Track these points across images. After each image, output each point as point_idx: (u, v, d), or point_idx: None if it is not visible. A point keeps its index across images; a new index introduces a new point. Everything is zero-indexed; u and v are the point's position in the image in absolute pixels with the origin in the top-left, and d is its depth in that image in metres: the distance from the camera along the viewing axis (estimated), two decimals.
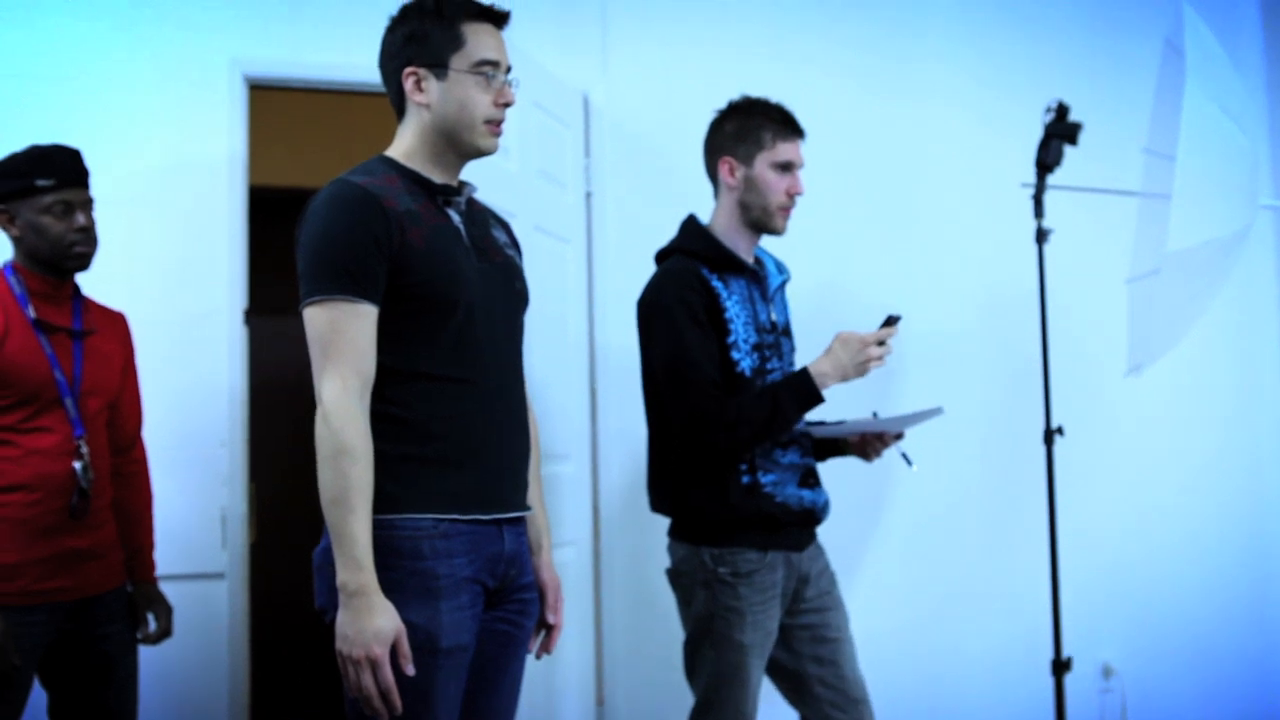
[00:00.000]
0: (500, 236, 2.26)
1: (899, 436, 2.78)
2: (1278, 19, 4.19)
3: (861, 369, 2.55)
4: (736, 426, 2.48)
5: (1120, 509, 3.91)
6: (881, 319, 2.60)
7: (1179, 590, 3.96)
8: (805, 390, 2.53)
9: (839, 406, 2.84)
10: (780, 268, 2.80)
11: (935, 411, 2.70)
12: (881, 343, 2.56)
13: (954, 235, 3.83)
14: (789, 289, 2.89)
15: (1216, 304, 3.88)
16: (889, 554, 3.72)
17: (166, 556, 2.89)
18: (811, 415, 2.71)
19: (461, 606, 1.98)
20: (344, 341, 1.93)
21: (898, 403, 3.54)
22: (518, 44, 3.04)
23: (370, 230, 1.95)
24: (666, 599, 2.70)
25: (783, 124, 2.68)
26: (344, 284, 1.93)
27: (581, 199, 3.57)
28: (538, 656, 2.23)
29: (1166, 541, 3.96)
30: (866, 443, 2.78)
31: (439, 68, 2.08)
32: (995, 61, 3.92)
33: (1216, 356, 4.07)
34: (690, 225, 2.74)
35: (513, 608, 2.15)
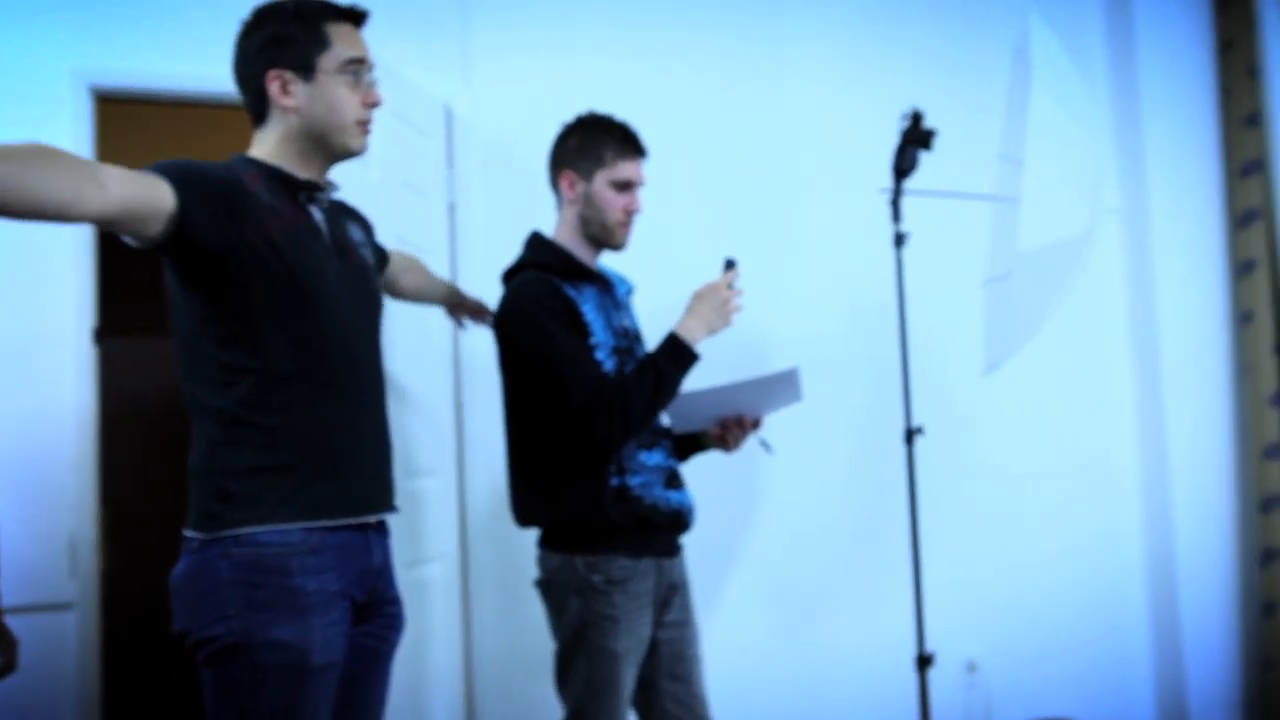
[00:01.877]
0: (356, 235, 2.22)
1: (757, 425, 2.82)
2: (1122, 27, 4.34)
3: (725, 317, 2.61)
4: (629, 405, 2.49)
5: (982, 505, 4.00)
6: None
7: (1040, 585, 4.06)
8: (680, 351, 2.55)
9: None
10: (621, 280, 2.82)
11: (791, 377, 2.73)
12: (730, 286, 2.63)
13: (816, 240, 3.89)
14: (641, 299, 2.90)
15: (1069, 304, 4.03)
16: (757, 557, 3.74)
17: (11, 588, 2.76)
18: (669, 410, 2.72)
19: (333, 622, 1.93)
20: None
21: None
22: (379, 56, 2.99)
23: (222, 184, 1.90)
24: (537, 611, 2.67)
25: (624, 142, 2.69)
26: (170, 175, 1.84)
27: (444, 210, 3.52)
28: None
29: (1027, 537, 4.06)
30: (727, 430, 2.80)
31: (306, 70, 2.04)
32: (855, 71, 3.99)
33: (1069, 355, 4.20)
34: (536, 240, 2.74)
35: (380, 622, 2.11)
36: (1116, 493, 4.26)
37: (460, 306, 2.88)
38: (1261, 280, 4.25)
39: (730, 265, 2.68)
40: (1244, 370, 4.29)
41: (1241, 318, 4.30)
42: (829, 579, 3.81)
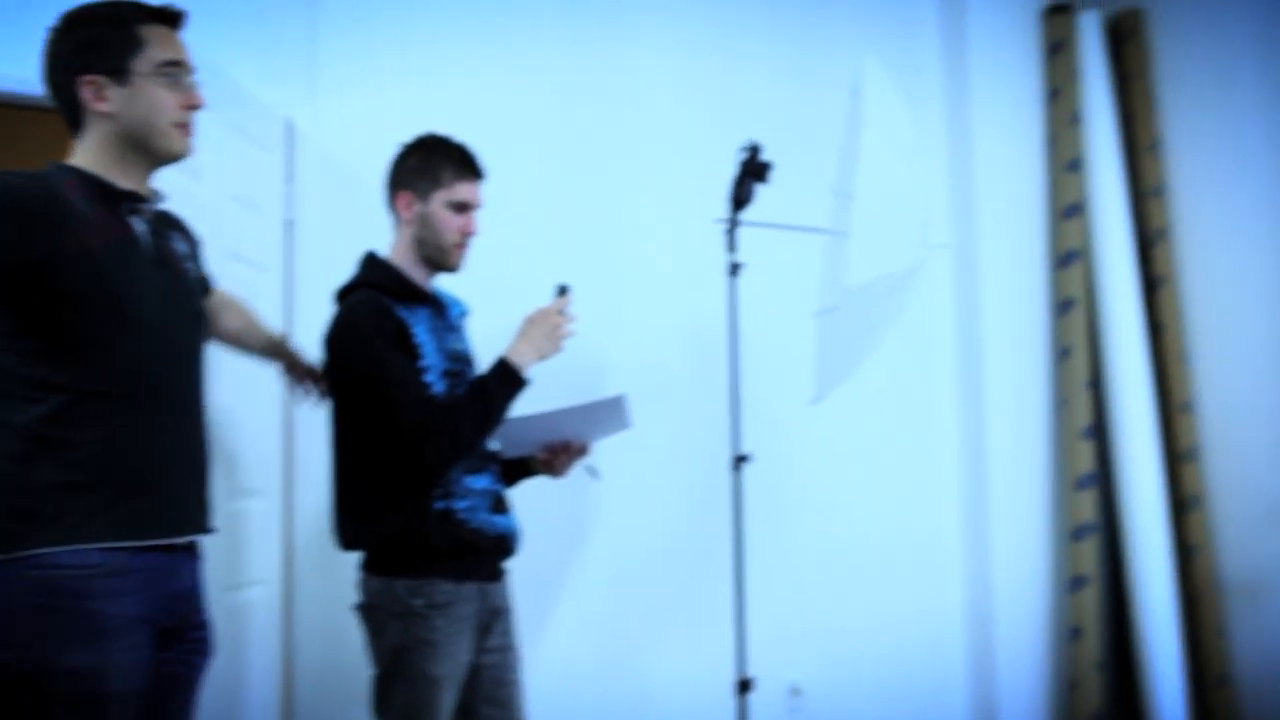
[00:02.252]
0: (181, 249, 2.17)
1: (585, 451, 2.85)
2: (958, 71, 4.51)
3: (556, 342, 2.65)
4: (459, 428, 2.49)
5: (809, 532, 4.09)
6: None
7: (863, 610, 4.16)
8: (509, 375, 2.58)
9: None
10: (455, 302, 2.82)
11: (618, 404, 2.77)
12: (561, 312, 2.67)
13: (653, 267, 3.93)
14: (476, 322, 2.90)
15: (901, 336, 4.16)
16: (583, 582, 3.76)
17: None
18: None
19: (134, 647, 1.88)
20: None
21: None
22: (218, 65, 2.93)
23: (31, 197, 1.86)
24: (360, 637, 2.63)
25: (463, 164, 2.69)
26: None
27: (281, 226, 3.46)
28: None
29: (852, 562, 4.17)
30: (555, 456, 2.83)
31: (120, 73, 1.99)
32: (696, 101, 4.06)
33: (899, 386, 4.33)
34: (370, 260, 2.72)
35: (186, 648, 2.06)
36: (938, 522, 4.41)
37: (292, 368, 2.72)
38: (1079, 318, 4.46)
39: (563, 291, 2.72)
40: (1061, 403, 4.48)
41: (1060, 353, 4.50)
42: (654, 605, 3.84)
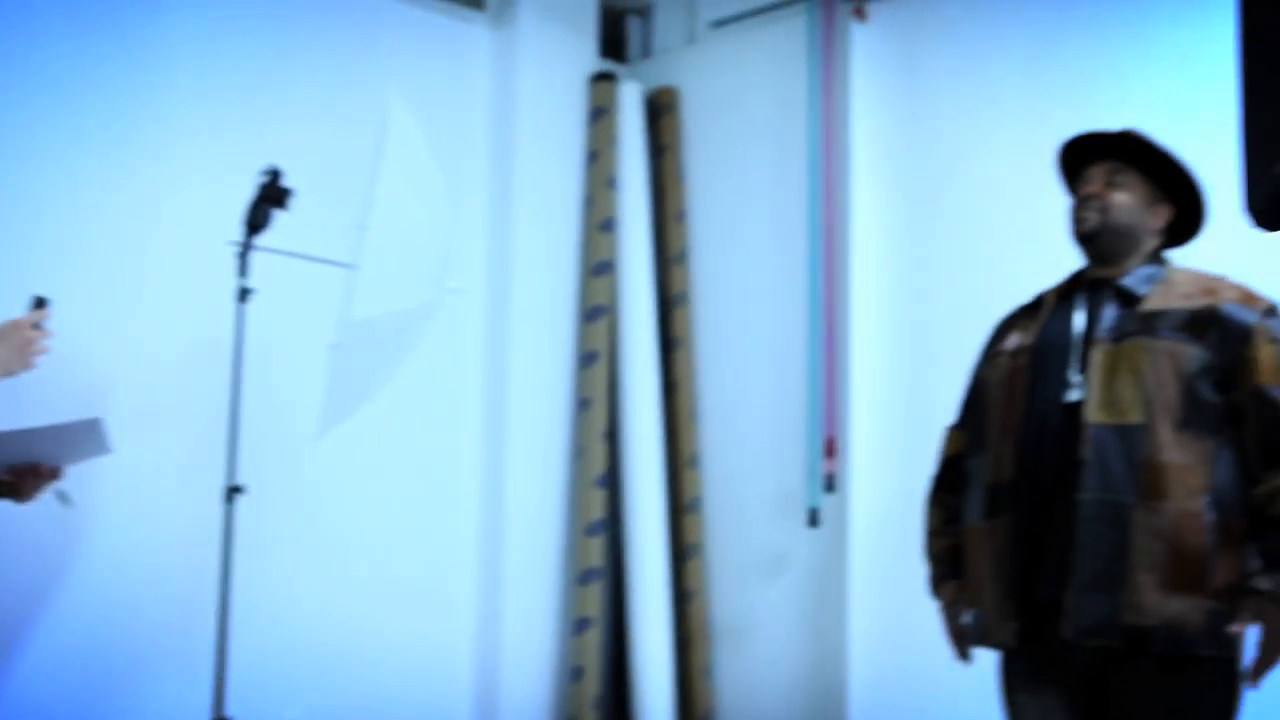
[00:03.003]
0: None
1: (56, 474, 2.67)
2: (505, 124, 4.63)
3: (25, 358, 2.48)
4: None
5: (311, 568, 4.02)
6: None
7: (369, 648, 4.13)
8: None
9: None
10: None
11: (94, 426, 2.61)
12: (37, 326, 2.49)
13: (159, 286, 3.75)
14: None
15: (428, 379, 4.20)
16: (63, 616, 3.51)
17: None
18: None
19: None
20: None
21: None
22: None
23: None
24: None
25: None
26: None
27: None
28: None
29: (359, 600, 4.13)
30: (21, 479, 2.63)
31: None
32: (224, 125, 3.92)
33: (422, 426, 4.36)
34: None
35: None
36: (452, 561, 4.45)
37: None
38: (601, 371, 4.67)
39: (41, 303, 2.54)
40: (579, 452, 4.67)
41: (581, 403, 4.69)
42: (135, 641, 3.63)
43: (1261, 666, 2.43)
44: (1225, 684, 2.47)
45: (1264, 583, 2.41)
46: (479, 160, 4.63)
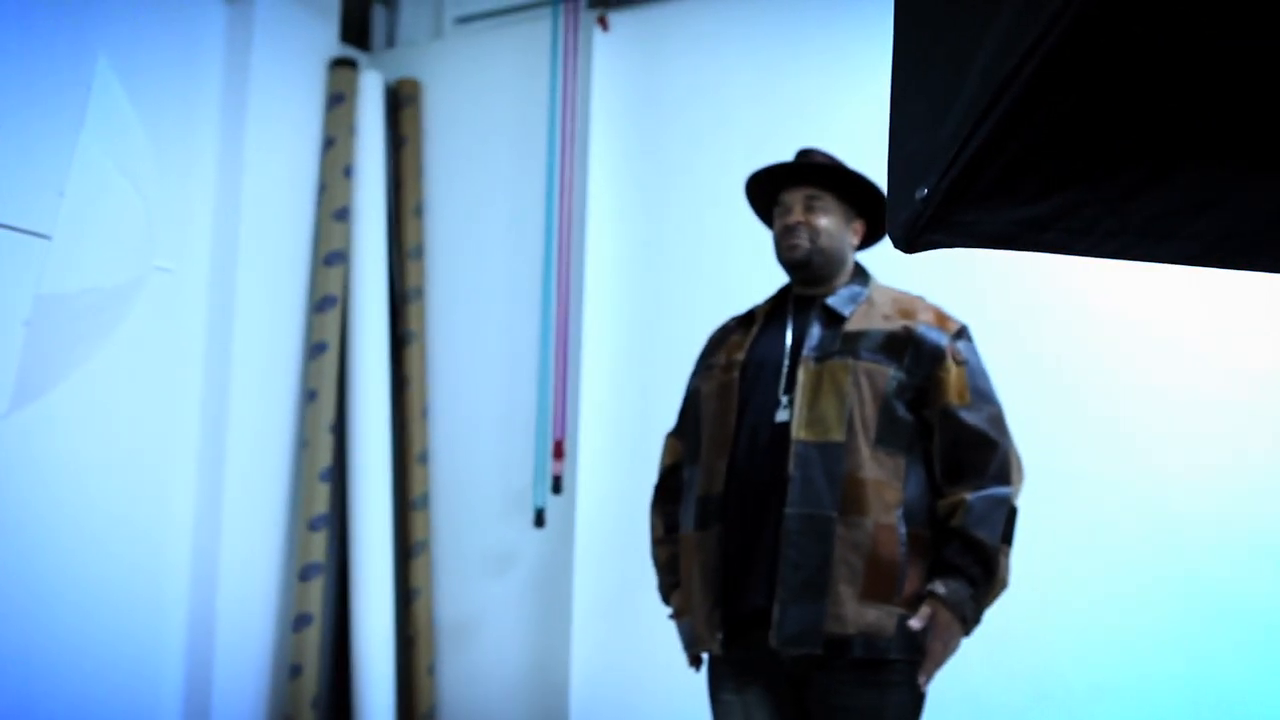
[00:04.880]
0: None
1: None
2: (236, 101, 4.48)
3: None
4: None
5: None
6: None
7: (70, 647, 3.92)
8: None
9: None
10: None
11: None
12: None
13: None
14: None
15: (146, 365, 4.02)
16: None
17: None
18: None
19: None
20: None
21: None
22: None
23: None
24: None
25: None
26: None
27: None
28: None
29: (52, 595, 3.91)
30: None
31: None
32: None
33: (139, 413, 4.18)
34: None
35: None
36: (162, 563, 4.26)
37: None
38: (330, 362, 4.57)
39: None
40: (304, 445, 4.56)
41: (308, 395, 4.58)
42: None
43: (929, 666, 2.58)
44: (912, 682, 2.61)
45: (939, 587, 2.56)
46: (208, 138, 4.46)
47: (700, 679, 2.84)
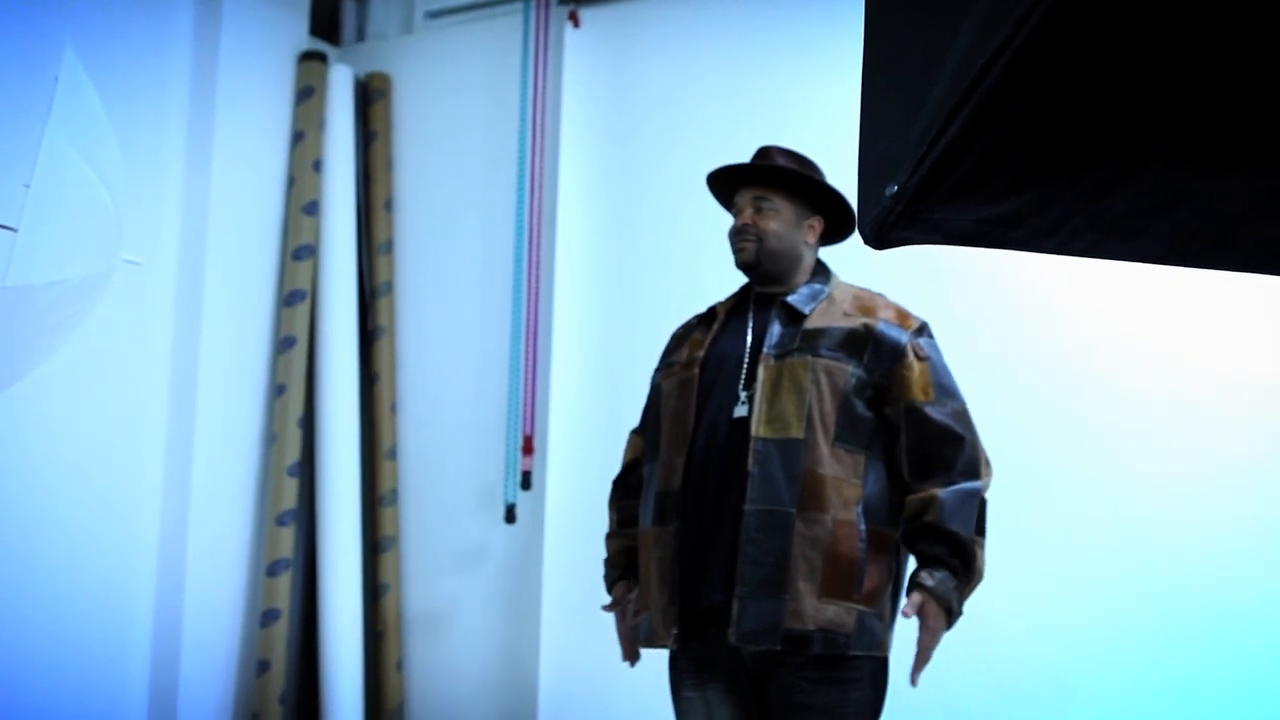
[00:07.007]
0: None
1: None
2: (204, 93, 4.45)
3: None
4: None
5: None
6: None
7: (37, 642, 3.89)
8: None
9: None
10: None
11: None
12: None
13: None
14: None
15: (113, 359, 3.99)
16: None
17: None
18: None
19: None
20: None
21: None
22: None
23: None
24: None
25: None
26: None
27: None
28: None
29: (19, 590, 3.89)
30: None
31: None
32: None
33: (105, 409, 4.14)
34: None
35: None
36: (129, 557, 4.23)
37: None
38: (299, 356, 4.55)
39: None
40: (272, 439, 4.53)
41: (277, 389, 4.56)
42: None
43: (919, 663, 2.59)
44: (872, 678, 2.63)
45: (927, 579, 2.57)
46: (176, 130, 4.43)
47: (666, 674, 2.84)
